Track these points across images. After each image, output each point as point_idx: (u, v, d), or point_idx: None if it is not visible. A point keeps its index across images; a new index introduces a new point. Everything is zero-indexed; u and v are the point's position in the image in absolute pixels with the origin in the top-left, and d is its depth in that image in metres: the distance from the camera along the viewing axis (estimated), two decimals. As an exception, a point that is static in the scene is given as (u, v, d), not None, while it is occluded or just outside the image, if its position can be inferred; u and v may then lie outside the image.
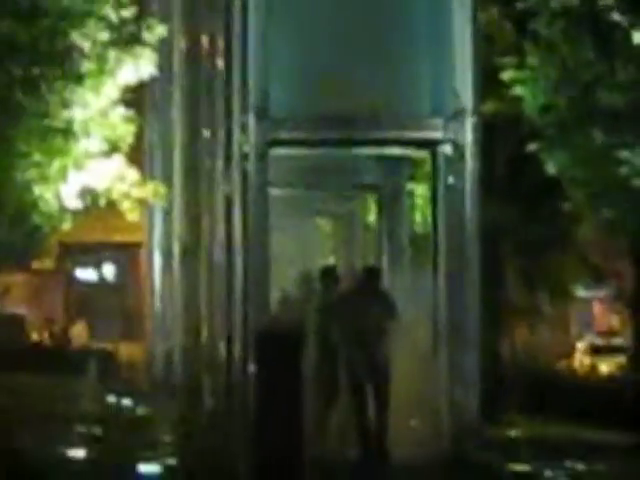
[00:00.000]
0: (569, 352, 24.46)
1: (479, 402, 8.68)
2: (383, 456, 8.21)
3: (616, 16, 8.90)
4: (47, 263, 16.39)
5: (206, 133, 11.01)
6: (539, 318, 16.20)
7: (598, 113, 9.27)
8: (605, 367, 22.23)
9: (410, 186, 10.91)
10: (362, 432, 8.35)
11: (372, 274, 9.23)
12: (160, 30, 10.60)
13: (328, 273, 9.55)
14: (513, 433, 10.82)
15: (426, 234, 9.80)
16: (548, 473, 8.23)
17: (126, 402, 12.18)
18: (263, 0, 8.81)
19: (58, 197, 10.13)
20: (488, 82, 9.92)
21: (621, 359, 20.13)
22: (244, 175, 8.82)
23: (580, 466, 8.84)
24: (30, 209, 9.98)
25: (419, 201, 10.81)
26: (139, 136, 11.55)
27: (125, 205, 10.68)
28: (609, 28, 9.00)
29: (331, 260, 12.68)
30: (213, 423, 9.30)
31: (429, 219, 9.66)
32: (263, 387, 7.25)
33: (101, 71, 9.96)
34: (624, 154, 9.08)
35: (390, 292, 9.44)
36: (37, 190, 9.75)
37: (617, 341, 23.40)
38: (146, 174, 12.14)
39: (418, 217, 10.72)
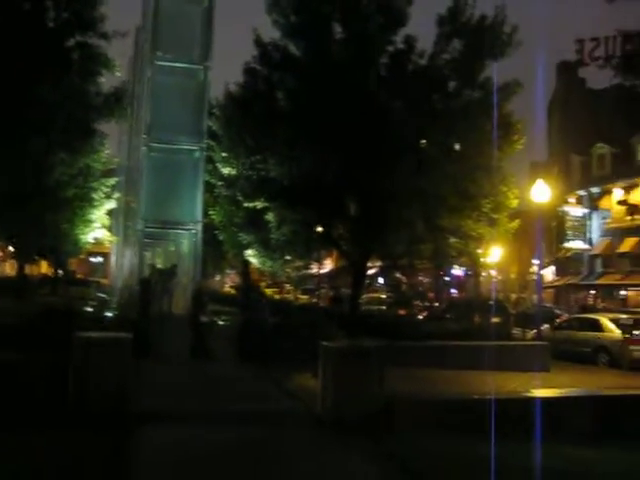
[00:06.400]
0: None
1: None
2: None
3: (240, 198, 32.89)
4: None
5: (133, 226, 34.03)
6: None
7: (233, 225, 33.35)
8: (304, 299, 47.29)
9: (181, 242, 33.74)
10: None
11: (165, 272, 31.76)
12: (118, 197, 34.08)
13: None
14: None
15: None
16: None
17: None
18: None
19: (86, 238, 33.06)
20: (205, 212, 32.60)
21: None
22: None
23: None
24: (78, 241, 32.91)
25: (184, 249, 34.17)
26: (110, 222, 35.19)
27: (106, 243, 34.33)
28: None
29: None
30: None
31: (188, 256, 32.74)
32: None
33: (100, 204, 32.40)
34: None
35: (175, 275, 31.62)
36: (81, 237, 32.96)
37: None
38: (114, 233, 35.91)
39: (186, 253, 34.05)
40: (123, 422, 11.24)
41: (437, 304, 48.83)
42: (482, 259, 33.48)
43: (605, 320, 27.64)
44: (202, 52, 28.04)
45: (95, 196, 31.79)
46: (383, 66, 26.75)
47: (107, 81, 26.63)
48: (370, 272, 39.46)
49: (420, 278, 69.41)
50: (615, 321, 27.49)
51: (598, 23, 27.50)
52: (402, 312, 37.81)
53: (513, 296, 58.24)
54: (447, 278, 67.24)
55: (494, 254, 44.31)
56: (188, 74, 27.89)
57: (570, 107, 64.39)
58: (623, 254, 56.53)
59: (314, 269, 48.53)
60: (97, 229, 32.59)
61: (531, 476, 8.98)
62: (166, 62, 27.58)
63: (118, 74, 26.66)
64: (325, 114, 24.98)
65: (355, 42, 25.88)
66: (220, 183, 31.87)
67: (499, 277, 64.81)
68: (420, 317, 34.86)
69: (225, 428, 11.62)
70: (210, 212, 33.19)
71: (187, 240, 30.30)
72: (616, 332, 26.33)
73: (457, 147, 26.65)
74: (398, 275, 58.98)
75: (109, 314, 25.73)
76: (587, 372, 22.74)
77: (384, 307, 42.73)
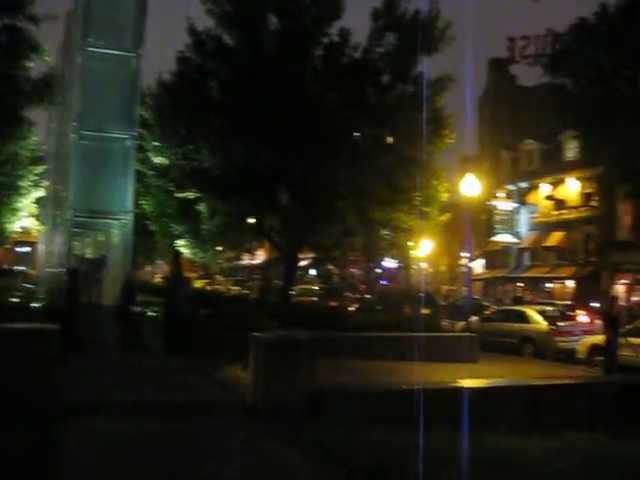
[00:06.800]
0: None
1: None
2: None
3: (172, 188, 32.62)
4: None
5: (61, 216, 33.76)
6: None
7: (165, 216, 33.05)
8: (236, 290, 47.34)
9: (111, 231, 33.40)
10: None
11: (95, 262, 31.42)
12: (46, 185, 33.60)
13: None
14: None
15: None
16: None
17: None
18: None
19: (13, 227, 32.74)
20: (136, 202, 32.42)
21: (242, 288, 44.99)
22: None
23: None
24: (4, 230, 32.43)
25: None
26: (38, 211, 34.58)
27: (33, 232, 33.67)
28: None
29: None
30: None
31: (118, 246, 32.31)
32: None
33: (28, 192, 32.66)
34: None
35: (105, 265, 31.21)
36: (7, 226, 32.45)
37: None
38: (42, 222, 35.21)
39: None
40: (48, 415, 11.04)
41: (368, 296, 49.19)
42: (412, 251, 33.80)
43: (531, 312, 28.24)
44: (134, 39, 27.33)
45: (22, 184, 31.36)
46: (317, 58, 26.85)
47: (36, 67, 26.04)
48: (302, 264, 39.53)
49: (352, 270, 69.80)
50: (542, 313, 28.08)
51: (530, 22, 27.94)
52: (333, 303, 37.98)
53: (445, 288, 58.95)
54: (378, 270, 67.81)
55: (425, 247, 44.82)
56: (120, 61, 27.23)
57: (500, 103, 65.51)
58: (549, 248, 57.82)
59: (246, 260, 48.47)
60: (24, 218, 32.18)
61: (458, 466, 9.12)
62: (97, 48, 26.92)
63: (48, 59, 26.09)
64: (258, 105, 24.95)
65: (290, 34, 25.94)
66: (152, 173, 31.56)
67: (430, 269, 65.59)
68: (351, 308, 35.05)
69: (155, 419, 11.51)
70: (141, 202, 32.73)
71: (117, 230, 29.45)
72: (542, 324, 26.92)
73: (389, 140, 26.88)
74: (330, 267, 59.22)
75: (36, 305, 25.47)
76: (513, 362, 23.20)
77: (316, 298, 42.89)
